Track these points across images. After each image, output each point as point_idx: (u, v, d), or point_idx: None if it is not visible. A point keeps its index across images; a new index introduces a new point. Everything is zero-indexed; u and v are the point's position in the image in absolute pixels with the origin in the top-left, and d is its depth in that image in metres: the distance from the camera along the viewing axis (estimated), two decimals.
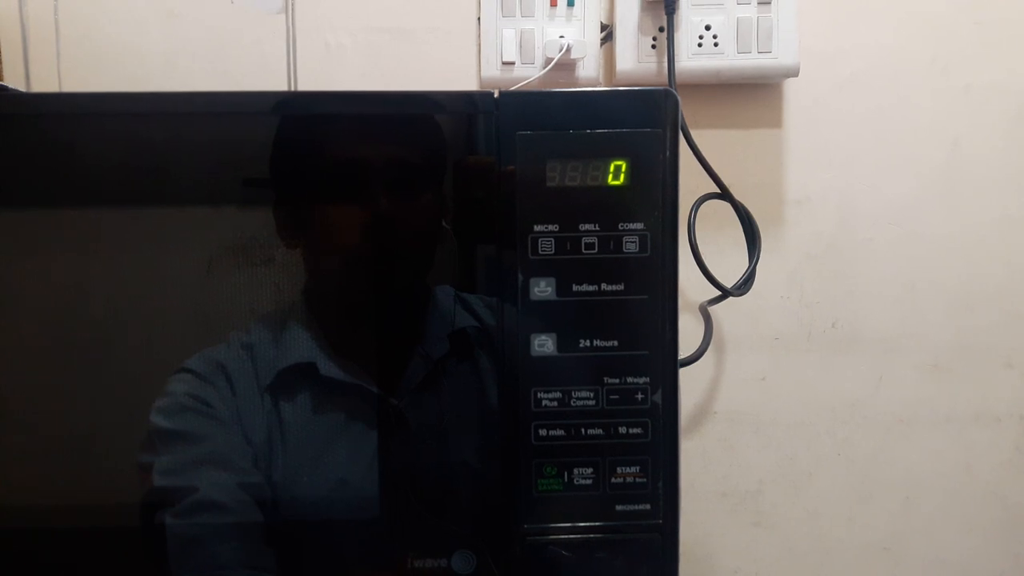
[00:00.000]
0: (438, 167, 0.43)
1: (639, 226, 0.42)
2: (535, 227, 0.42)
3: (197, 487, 0.45)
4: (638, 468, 0.43)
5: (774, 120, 0.81)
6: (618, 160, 0.41)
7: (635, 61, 0.76)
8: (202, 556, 0.44)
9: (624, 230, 0.42)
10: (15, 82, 0.71)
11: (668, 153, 0.41)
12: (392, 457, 0.44)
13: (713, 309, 0.76)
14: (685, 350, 0.72)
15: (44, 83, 0.65)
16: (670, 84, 0.73)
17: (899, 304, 0.81)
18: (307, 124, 0.43)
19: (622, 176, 0.41)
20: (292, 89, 0.60)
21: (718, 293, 0.73)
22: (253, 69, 0.79)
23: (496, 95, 0.41)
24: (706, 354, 0.75)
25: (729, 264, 0.75)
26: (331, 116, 0.43)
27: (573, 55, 0.75)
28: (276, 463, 0.45)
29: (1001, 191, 0.80)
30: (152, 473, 0.45)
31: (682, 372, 0.75)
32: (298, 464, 0.45)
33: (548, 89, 0.77)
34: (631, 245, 0.42)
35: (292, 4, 0.58)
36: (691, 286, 0.77)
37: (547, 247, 0.42)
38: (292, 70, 0.58)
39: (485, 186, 0.42)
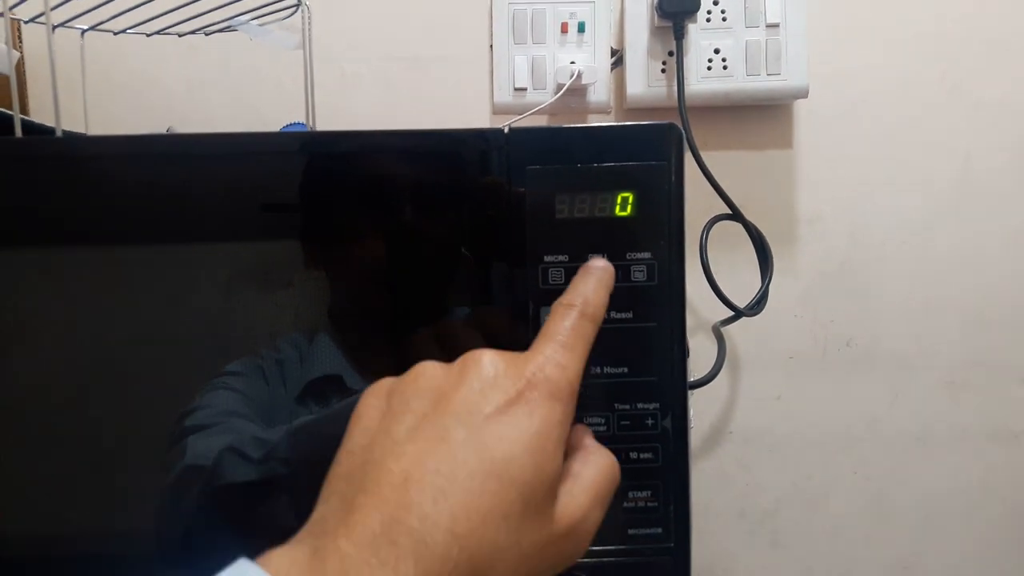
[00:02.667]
0: (458, 198, 0.44)
1: (646, 255, 0.43)
2: (545, 257, 0.43)
3: (225, 422, 0.46)
4: (649, 492, 0.43)
5: (784, 141, 0.81)
6: (625, 192, 0.42)
7: (645, 85, 0.78)
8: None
9: (632, 259, 0.43)
10: (44, 116, 0.74)
11: (673, 184, 0.42)
12: None
13: (726, 329, 0.76)
14: (699, 370, 0.73)
15: (69, 115, 0.67)
16: (680, 107, 0.74)
17: (914, 321, 0.81)
18: (331, 160, 0.45)
19: (629, 207, 0.42)
20: (311, 122, 0.62)
21: (731, 313, 0.74)
22: (271, 98, 0.81)
23: (506, 131, 0.43)
24: (721, 374, 0.75)
25: (742, 284, 0.76)
26: (353, 153, 0.45)
27: (584, 80, 0.76)
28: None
29: (1013, 206, 0.80)
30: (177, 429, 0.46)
31: (697, 392, 0.76)
32: (323, 475, 0.46)
33: (560, 115, 0.79)
34: (639, 274, 0.43)
35: (310, 41, 0.60)
36: (704, 307, 0.78)
37: (557, 277, 0.43)
38: (311, 105, 0.59)
39: (502, 217, 0.43)
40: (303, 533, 0.30)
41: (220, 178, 0.45)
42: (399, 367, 0.45)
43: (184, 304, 0.47)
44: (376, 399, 0.35)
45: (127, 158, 0.45)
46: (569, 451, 0.35)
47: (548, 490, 0.32)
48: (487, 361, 0.34)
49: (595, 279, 0.39)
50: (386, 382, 0.36)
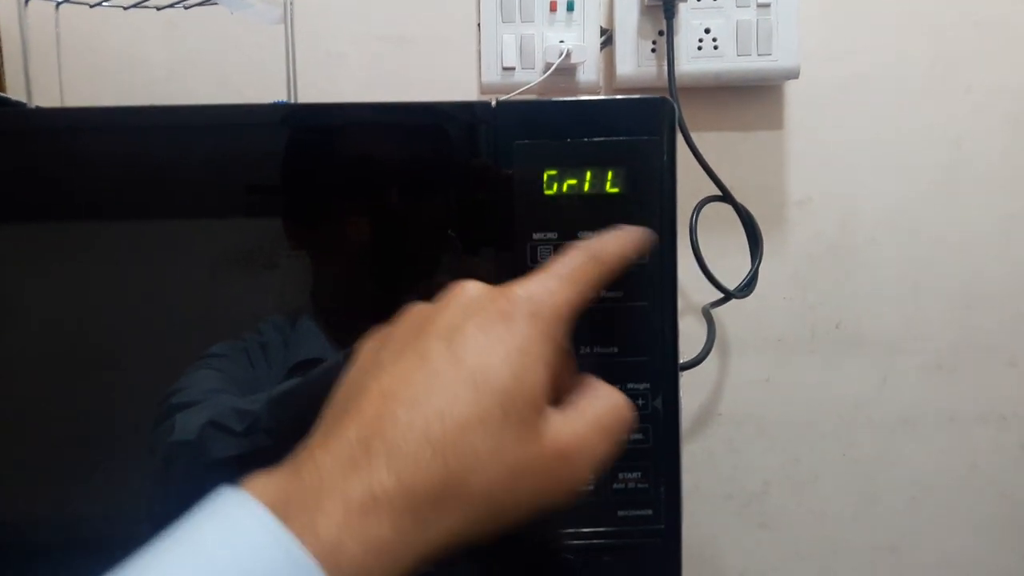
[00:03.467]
0: (443, 174, 0.43)
1: None
2: (534, 235, 0.42)
3: (209, 398, 0.45)
4: (640, 474, 0.43)
5: (775, 122, 0.81)
6: (616, 168, 0.41)
7: (635, 65, 0.77)
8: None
9: None
10: (17, 93, 0.72)
11: (665, 160, 0.41)
12: None
13: (716, 311, 0.76)
14: (688, 353, 0.73)
15: (46, 93, 0.65)
16: (670, 87, 0.73)
17: (902, 304, 0.81)
18: (314, 134, 0.44)
19: (620, 184, 0.42)
20: (291, 98, 0.61)
21: (721, 295, 0.73)
22: (254, 78, 0.79)
23: (494, 104, 0.42)
24: (710, 356, 0.75)
25: (732, 266, 0.75)
26: (336, 127, 0.44)
27: (573, 60, 0.75)
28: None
29: (1003, 191, 0.80)
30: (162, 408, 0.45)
31: (686, 374, 0.76)
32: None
33: (548, 94, 0.78)
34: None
35: (291, 14, 0.59)
36: (694, 289, 0.77)
37: (546, 255, 0.42)
38: (292, 79, 0.58)
39: (486, 193, 0.42)
40: (287, 459, 0.30)
41: (200, 153, 0.44)
42: None
43: (166, 283, 0.46)
44: (371, 342, 0.35)
45: (102, 130, 0.43)
46: (577, 390, 0.34)
47: (530, 402, 0.31)
48: (471, 286, 0.34)
49: (624, 234, 0.37)
50: (380, 329, 0.36)
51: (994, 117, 0.80)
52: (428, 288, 0.44)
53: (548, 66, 0.75)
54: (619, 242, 0.37)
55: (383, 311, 0.45)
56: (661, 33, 0.76)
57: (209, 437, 0.44)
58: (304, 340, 0.46)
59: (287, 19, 0.57)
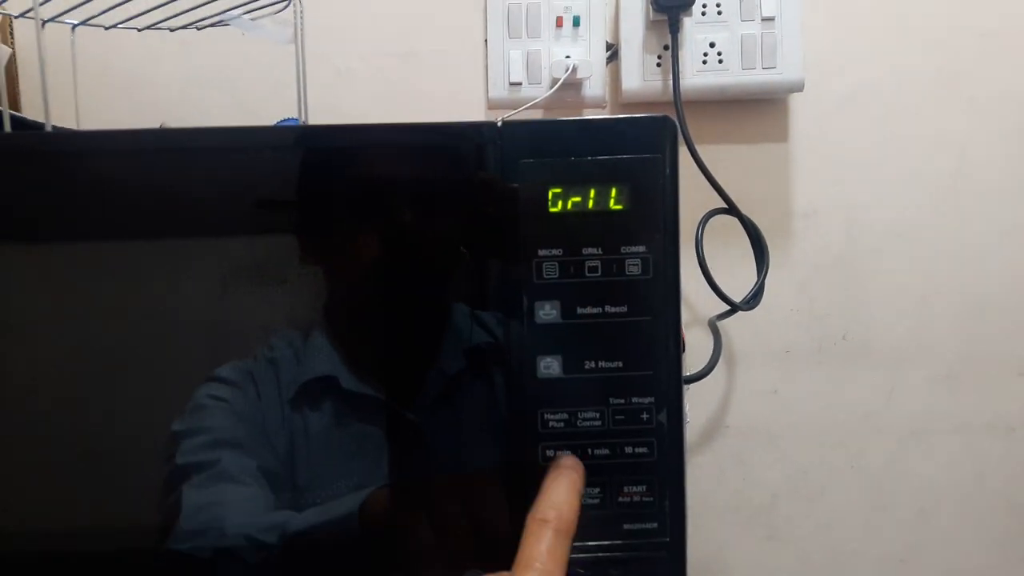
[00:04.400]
0: (451, 193, 0.44)
1: (641, 249, 0.42)
2: (539, 251, 0.42)
3: (219, 460, 0.46)
4: (644, 487, 0.43)
5: (780, 134, 0.81)
6: (619, 185, 0.42)
7: (641, 79, 0.77)
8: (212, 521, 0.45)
9: (626, 253, 0.42)
10: (35, 114, 0.73)
11: (668, 177, 0.42)
12: (405, 472, 0.45)
13: (723, 324, 0.76)
14: (695, 365, 0.73)
15: (62, 114, 0.66)
16: (675, 101, 0.74)
17: (909, 315, 0.81)
18: (326, 154, 0.45)
19: (623, 201, 0.42)
20: (303, 117, 0.62)
21: (727, 308, 0.74)
22: (265, 95, 0.80)
23: (499, 124, 0.42)
24: (717, 368, 0.75)
25: (738, 279, 0.76)
26: (348, 147, 0.44)
27: (579, 75, 0.76)
28: (299, 473, 0.46)
29: (1008, 200, 0.80)
30: (171, 464, 0.46)
31: (693, 387, 0.76)
32: (318, 474, 0.46)
33: (555, 109, 0.79)
34: (633, 268, 0.42)
35: (302, 34, 0.60)
36: (700, 301, 0.78)
37: (551, 271, 0.42)
38: (303, 97, 0.59)
39: (494, 211, 0.43)
40: None
41: (213, 173, 0.45)
42: (395, 368, 0.45)
43: (178, 300, 0.47)
44: None
45: (117, 153, 0.44)
46: None
47: None
48: None
49: (566, 484, 0.42)
50: None
51: (997, 127, 0.80)
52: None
53: (555, 81, 0.76)
54: (571, 499, 0.41)
55: (395, 327, 0.46)
56: (666, 47, 0.76)
57: (220, 565, 0.45)
58: (316, 356, 0.47)
59: (297, 38, 0.58)
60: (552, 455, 0.43)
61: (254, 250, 0.46)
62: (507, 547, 0.41)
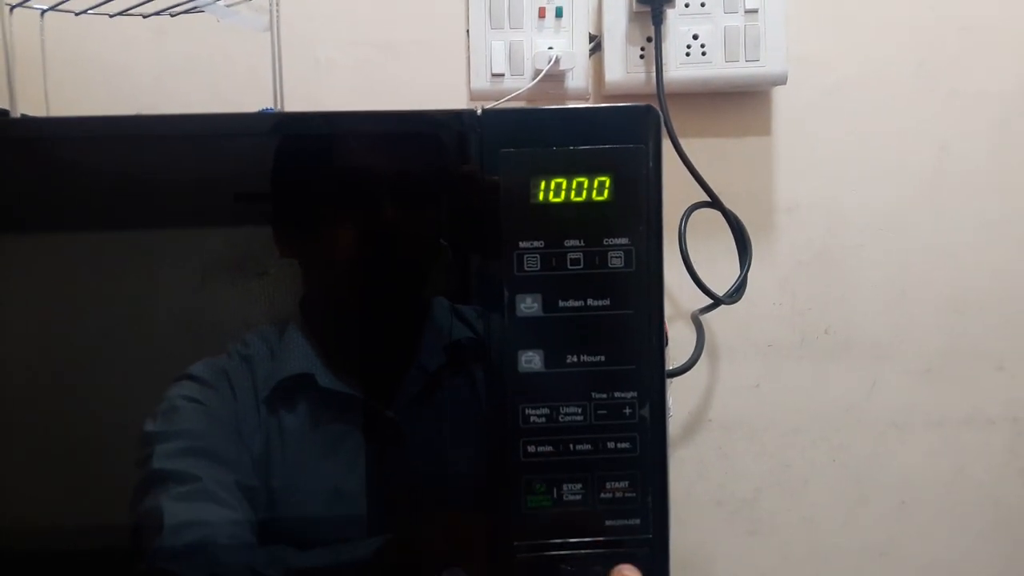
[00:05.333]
0: (430, 183, 0.43)
1: (624, 241, 0.42)
2: (520, 243, 0.42)
3: (199, 476, 0.45)
4: (627, 483, 0.43)
5: (763, 128, 0.81)
6: (602, 176, 0.41)
7: (624, 71, 0.77)
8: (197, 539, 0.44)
9: (609, 245, 0.42)
10: (0, 102, 0.71)
11: (651, 168, 0.41)
12: (385, 470, 0.45)
13: (705, 318, 0.76)
14: (678, 359, 0.73)
15: (31, 102, 0.65)
16: (658, 94, 0.73)
17: (891, 309, 0.81)
18: (302, 142, 0.44)
19: (606, 192, 0.41)
20: (278, 105, 0.60)
21: (710, 301, 0.73)
22: (242, 84, 0.79)
23: (479, 112, 0.42)
24: (700, 362, 0.75)
25: (720, 272, 0.75)
26: (324, 135, 0.43)
27: (562, 66, 0.75)
28: (274, 474, 0.45)
29: (989, 195, 0.80)
30: (147, 467, 0.45)
31: (676, 381, 0.76)
32: (295, 475, 0.45)
33: (537, 101, 0.78)
34: (616, 260, 0.42)
35: (278, 21, 0.59)
36: (683, 295, 0.77)
37: (533, 263, 0.42)
38: (279, 86, 0.58)
39: (474, 201, 0.42)
40: None
41: (187, 161, 0.44)
42: (373, 365, 0.45)
43: (154, 291, 0.45)
44: None
45: (88, 140, 0.43)
46: None
47: None
48: None
49: None
50: None
51: (979, 121, 0.80)
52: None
53: (537, 72, 0.75)
54: None
55: (374, 323, 0.45)
56: (649, 39, 0.76)
57: None
58: (292, 353, 0.46)
59: (273, 26, 0.57)
60: (533, 450, 0.43)
61: (230, 242, 0.45)
62: None
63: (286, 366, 0.46)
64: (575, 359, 0.42)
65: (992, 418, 0.82)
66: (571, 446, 0.43)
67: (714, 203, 0.74)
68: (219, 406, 0.46)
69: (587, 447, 0.43)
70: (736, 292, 0.74)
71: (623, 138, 0.41)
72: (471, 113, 0.42)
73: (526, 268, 0.42)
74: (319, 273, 0.45)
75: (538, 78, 0.75)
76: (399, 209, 0.43)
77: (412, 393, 0.45)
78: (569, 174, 0.41)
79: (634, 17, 0.76)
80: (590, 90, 0.79)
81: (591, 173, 0.41)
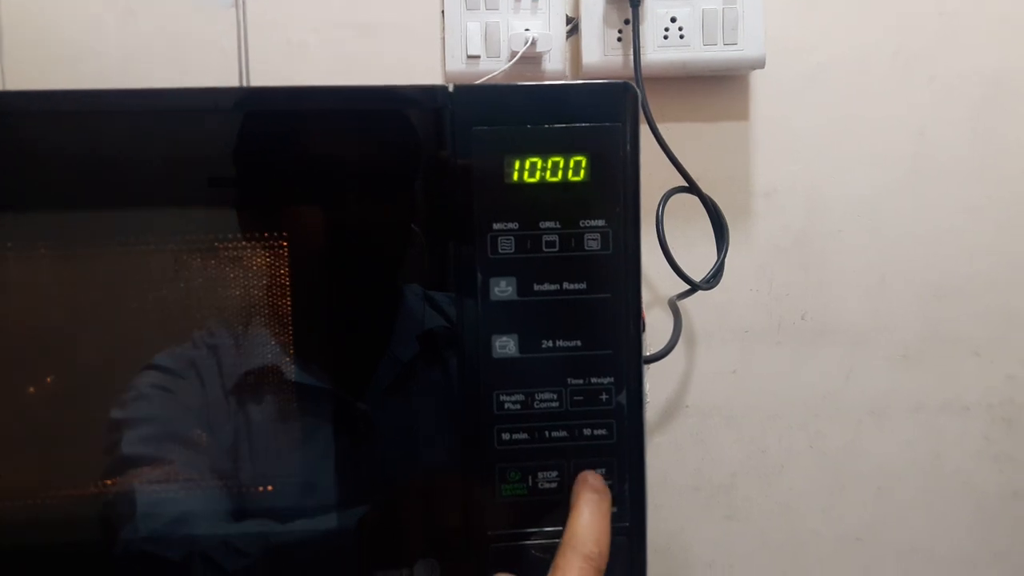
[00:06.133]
0: (399, 162, 0.42)
1: (600, 223, 0.41)
2: (494, 225, 0.41)
3: (171, 460, 0.44)
4: (604, 470, 0.42)
5: (741, 112, 0.80)
6: (578, 155, 0.40)
7: (601, 54, 0.76)
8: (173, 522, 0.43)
9: (585, 227, 0.41)
10: None
11: (629, 148, 0.40)
12: (357, 462, 0.43)
13: (682, 303, 0.75)
14: (655, 344, 0.72)
15: None
16: (636, 77, 0.72)
17: (868, 295, 0.81)
18: (267, 119, 0.42)
19: (582, 172, 0.40)
20: (244, 82, 0.59)
21: (687, 287, 0.73)
22: (213, 67, 0.77)
23: (451, 89, 0.40)
24: (676, 348, 0.74)
25: (698, 258, 0.75)
26: (290, 112, 0.42)
27: (539, 48, 0.74)
28: (242, 465, 0.44)
29: (967, 181, 0.81)
30: (115, 453, 0.44)
31: (653, 367, 0.75)
32: (263, 467, 0.44)
33: (511, 83, 0.77)
34: (593, 243, 0.41)
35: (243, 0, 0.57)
36: (660, 280, 0.77)
37: (507, 246, 0.41)
38: (244, 66, 0.56)
39: (446, 181, 0.41)
40: None
41: (153, 139, 0.42)
42: (344, 356, 0.43)
43: (125, 275, 0.44)
44: None
45: (45, 115, 0.41)
46: None
47: None
48: None
49: (603, 513, 0.40)
50: None
51: (958, 106, 0.80)
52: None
53: (513, 54, 0.74)
54: (605, 531, 0.39)
55: (342, 310, 0.43)
56: (627, 22, 0.75)
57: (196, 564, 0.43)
58: (257, 344, 0.44)
59: (238, 3, 0.55)
60: (507, 438, 0.42)
61: (205, 227, 0.43)
62: None
63: (252, 358, 0.44)
64: (551, 344, 0.41)
65: (968, 404, 0.82)
66: (547, 433, 0.42)
67: (691, 188, 0.73)
68: (188, 395, 0.45)
69: (563, 434, 0.42)
70: (713, 278, 0.74)
71: (600, 116, 0.40)
72: (443, 89, 0.40)
73: (500, 251, 0.41)
74: (284, 259, 0.44)
75: (514, 60, 0.74)
76: (368, 191, 0.42)
77: (384, 384, 0.44)
78: (544, 153, 0.40)
79: None
80: (567, 73, 0.78)
81: (567, 152, 0.40)
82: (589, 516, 0.40)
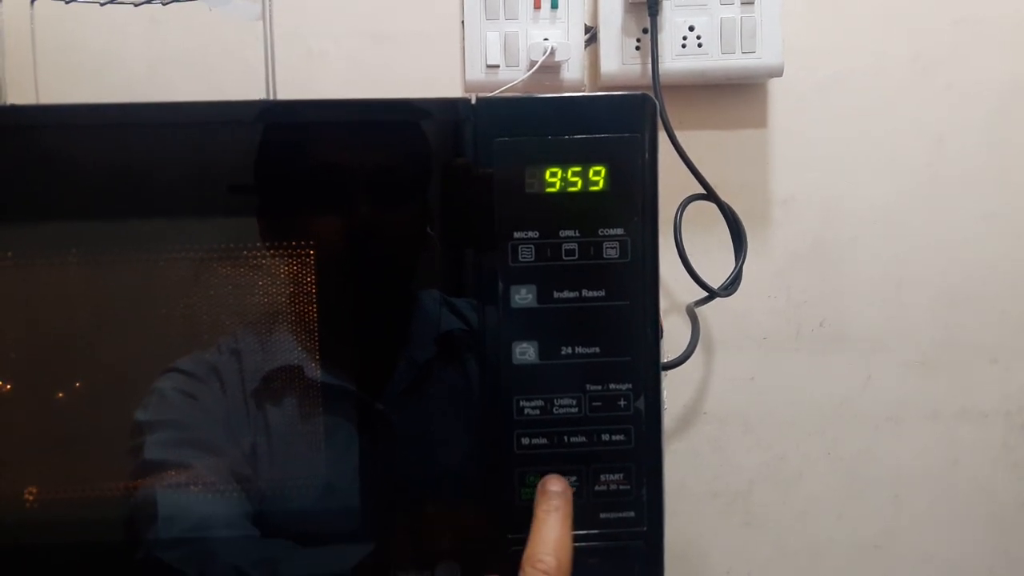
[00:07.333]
0: (422, 173, 0.43)
1: (619, 231, 0.41)
2: (515, 234, 0.41)
3: (192, 466, 0.45)
4: (622, 475, 0.43)
5: (759, 120, 0.81)
6: (597, 165, 0.41)
7: (619, 63, 0.76)
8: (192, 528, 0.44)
9: (604, 236, 0.41)
10: None
11: (647, 158, 0.41)
12: (377, 464, 0.44)
13: (700, 310, 0.76)
14: (673, 351, 0.73)
15: (21, 93, 0.64)
16: (654, 85, 0.73)
17: (886, 302, 0.81)
18: (291, 132, 0.43)
19: (601, 182, 0.41)
20: (271, 95, 0.60)
21: (705, 294, 0.73)
22: (236, 76, 0.78)
23: (473, 101, 0.41)
24: (695, 355, 0.75)
25: (716, 265, 0.75)
26: (313, 124, 0.43)
27: (557, 57, 0.75)
28: (263, 469, 0.45)
29: (984, 188, 0.80)
30: (139, 457, 0.45)
31: (671, 373, 0.76)
32: (284, 470, 0.45)
33: (532, 92, 0.78)
34: (611, 251, 0.42)
35: (270, 11, 0.58)
36: (678, 287, 0.77)
37: (527, 254, 0.41)
38: (271, 76, 0.57)
39: (469, 191, 0.42)
40: None
41: (177, 150, 0.43)
42: (363, 357, 0.44)
43: (148, 283, 0.45)
44: None
45: (78, 128, 0.43)
46: None
47: None
48: None
49: (560, 521, 0.41)
50: None
51: (975, 114, 0.80)
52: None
53: (532, 64, 0.75)
54: (565, 536, 0.40)
55: (361, 313, 0.44)
56: (645, 31, 0.75)
57: None
58: (280, 346, 0.45)
59: (266, 15, 0.56)
60: (527, 443, 0.42)
61: (227, 235, 0.44)
62: None
63: (274, 359, 0.45)
64: (570, 351, 0.42)
65: (986, 411, 0.82)
66: (565, 438, 0.42)
67: (709, 195, 0.74)
68: (209, 400, 0.46)
69: (581, 439, 0.42)
70: (731, 285, 0.74)
71: (619, 127, 0.41)
72: (465, 102, 0.41)
73: (521, 259, 0.41)
74: (307, 265, 0.45)
75: (533, 69, 0.75)
76: (390, 199, 0.43)
77: (402, 386, 0.45)
78: (564, 163, 0.41)
79: (630, 8, 0.76)
80: (585, 82, 0.78)
81: (586, 163, 0.41)
82: (547, 529, 0.40)
